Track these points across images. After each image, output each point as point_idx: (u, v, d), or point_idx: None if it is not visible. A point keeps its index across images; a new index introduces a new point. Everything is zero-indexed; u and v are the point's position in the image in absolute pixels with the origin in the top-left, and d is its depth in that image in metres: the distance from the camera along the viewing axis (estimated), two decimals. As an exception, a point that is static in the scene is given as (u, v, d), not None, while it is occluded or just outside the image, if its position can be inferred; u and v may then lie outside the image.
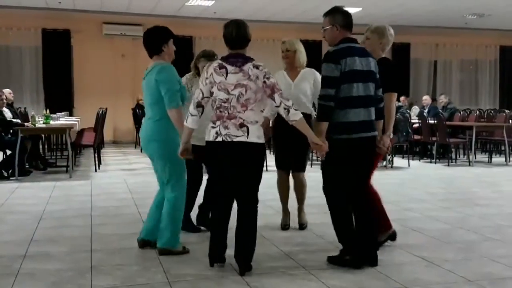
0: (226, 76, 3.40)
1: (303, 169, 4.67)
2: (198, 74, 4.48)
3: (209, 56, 4.48)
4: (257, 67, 3.40)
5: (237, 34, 3.45)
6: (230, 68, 3.41)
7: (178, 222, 3.88)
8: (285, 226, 4.71)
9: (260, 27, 13.87)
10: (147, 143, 3.88)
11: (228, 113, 3.41)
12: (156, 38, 3.93)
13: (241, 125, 3.39)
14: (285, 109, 3.39)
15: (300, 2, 12.00)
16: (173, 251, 3.87)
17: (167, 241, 3.88)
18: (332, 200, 3.66)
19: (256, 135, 3.42)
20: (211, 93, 3.46)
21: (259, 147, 3.46)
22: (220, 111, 3.44)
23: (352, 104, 3.50)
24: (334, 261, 3.66)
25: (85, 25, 13.69)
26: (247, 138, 3.39)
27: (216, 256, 3.57)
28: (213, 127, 3.46)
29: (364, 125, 3.56)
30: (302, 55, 4.60)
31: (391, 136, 3.92)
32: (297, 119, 3.42)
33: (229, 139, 3.40)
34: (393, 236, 4.15)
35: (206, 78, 3.47)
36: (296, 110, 3.42)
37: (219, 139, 3.42)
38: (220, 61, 3.48)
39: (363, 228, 3.63)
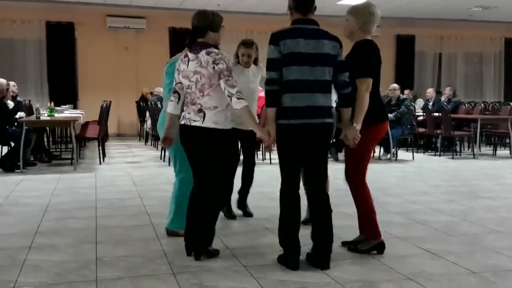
0: (188, 64, 3.54)
1: None
2: (238, 62, 4.71)
3: (247, 44, 4.71)
4: (209, 53, 3.46)
5: (196, 24, 3.59)
6: (191, 56, 3.54)
7: (182, 205, 3.84)
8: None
9: (263, 20, 13.89)
10: None
11: (191, 98, 3.54)
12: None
13: (199, 111, 3.49)
14: (228, 96, 3.39)
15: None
16: (179, 233, 3.93)
17: (171, 223, 4.05)
18: (280, 192, 3.47)
19: (212, 121, 3.46)
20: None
21: (215, 132, 3.47)
22: (186, 97, 3.60)
23: (294, 88, 3.29)
24: (279, 260, 3.51)
25: (89, 17, 13.68)
26: (202, 123, 3.47)
27: (190, 245, 3.61)
28: (182, 111, 3.62)
29: (309, 111, 3.29)
30: None
31: (358, 127, 3.46)
32: (238, 108, 3.37)
33: (188, 123, 3.53)
34: (380, 247, 3.71)
35: (177, 67, 3.65)
36: (239, 98, 3.35)
37: (182, 122, 3.58)
38: (186, 50, 3.64)
39: (317, 229, 3.43)
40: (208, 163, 3.53)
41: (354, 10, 3.64)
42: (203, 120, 3.47)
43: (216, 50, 3.49)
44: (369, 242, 3.70)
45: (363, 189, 3.68)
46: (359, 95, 3.47)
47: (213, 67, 3.42)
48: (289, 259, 3.41)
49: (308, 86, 3.31)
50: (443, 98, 11.59)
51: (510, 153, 10.11)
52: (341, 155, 7.77)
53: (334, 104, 3.73)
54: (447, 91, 11.63)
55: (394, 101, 9.52)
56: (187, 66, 3.54)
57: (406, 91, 12.36)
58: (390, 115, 9.21)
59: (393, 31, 15.77)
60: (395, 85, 9.78)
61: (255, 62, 4.77)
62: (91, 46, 13.79)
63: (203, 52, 3.48)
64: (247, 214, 4.84)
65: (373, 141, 3.75)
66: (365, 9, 3.61)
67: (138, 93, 13.60)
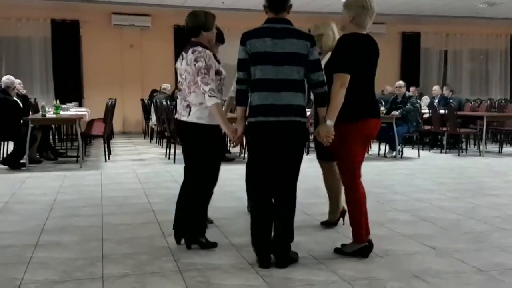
0: (182, 62, 3.73)
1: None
2: None
3: None
4: (193, 51, 3.63)
5: (189, 25, 3.74)
6: (184, 55, 3.72)
7: None
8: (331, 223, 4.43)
9: (262, 16, 13.85)
10: None
11: (182, 95, 3.74)
12: None
13: (187, 106, 3.69)
14: (202, 93, 3.56)
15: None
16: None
17: None
18: (247, 192, 3.47)
19: (196, 116, 3.63)
20: None
21: (197, 127, 3.63)
22: (181, 94, 3.78)
23: (260, 87, 3.32)
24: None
25: (94, 15, 13.71)
26: (187, 118, 3.67)
27: (176, 233, 3.83)
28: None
29: (275, 109, 3.29)
30: (329, 38, 4.34)
31: (330, 124, 3.38)
32: (209, 105, 3.52)
33: (178, 118, 3.77)
34: (364, 251, 3.60)
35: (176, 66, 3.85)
36: (211, 96, 3.49)
37: (176, 116, 3.84)
38: (184, 50, 3.77)
39: (277, 227, 3.41)
40: (193, 156, 3.73)
41: (347, 4, 3.55)
42: (188, 115, 3.66)
43: (200, 49, 3.63)
44: (353, 245, 3.60)
45: (353, 191, 3.55)
46: (332, 91, 3.40)
47: (194, 65, 3.59)
48: (258, 258, 3.42)
49: (274, 84, 3.30)
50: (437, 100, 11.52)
51: (516, 151, 10.07)
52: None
53: None
54: (444, 91, 11.57)
55: (400, 98, 9.49)
56: (181, 64, 3.73)
57: (411, 88, 12.32)
58: (396, 112, 9.20)
59: (398, 28, 15.72)
60: (401, 82, 9.75)
61: None
62: (96, 44, 13.82)
63: (190, 50, 3.65)
64: None
65: (354, 139, 3.52)
66: (357, 3, 3.52)
67: (143, 91, 13.61)
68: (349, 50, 3.44)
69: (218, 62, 3.75)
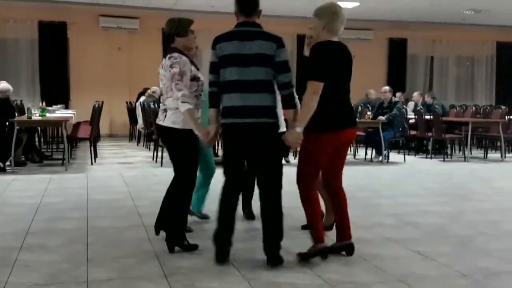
0: (161, 68, 3.82)
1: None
2: None
3: None
4: (169, 57, 3.73)
5: (166, 31, 3.89)
6: (163, 61, 3.82)
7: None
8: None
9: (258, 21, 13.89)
10: None
11: (162, 99, 3.87)
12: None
13: (165, 110, 3.79)
14: (176, 99, 3.64)
15: (298, -3, 11.97)
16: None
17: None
18: (221, 190, 3.55)
19: (171, 120, 3.73)
20: None
21: (171, 131, 3.73)
22: (162, 98, 3.92)
23: (229, 88, 3.41)
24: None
25: (82, 17, 13.64)
26: (163, 122, 3.78)
27: (157, 226, 4.00)
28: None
29: (242, 110, 3.35)
30: None
31: (300, 131, 3.35)
32: (181, 111, 3.61)
33: (157, 121, 3.88)
34: (349, 248, 3.68)
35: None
36: (183, 102, 3.58)
37: (156, 120, 3.94)
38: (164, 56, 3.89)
39: (267, 228, 3.49)
40: (172, 157, 3.84)
41: (318, 11, 3.56)
42: (164, 119, 3.77)
43: (175, 55, 3.72)
44: (313, 246, 3.56)
45: (305, 191, 3.54)
46: (304, 98, 3.39)
47: (169, 70, 3.68)
48: (216, 254, 3.51)
49: (241, 86, 3.37)
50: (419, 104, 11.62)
51: (501, 156, 10.18)
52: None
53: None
54: (426, 98, 11.66)
55: (386, 103, 9.56)
56: (161, 70, 3.82)
57: (398, 94, 12.41)
58: (382, 118, 9.27)
59: (385, 34, 15.84)
60: (387, 88, 9.82)
61: None
62: (84, 46, 13.74)
63: (167, 56, 3.76)
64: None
65: (320, 149, 3.49)
66: (328, 9, 3.53)
67: (131, 94, 13.54)
68: (323, 58, 3.42)
69: (197, 68, 3.82)
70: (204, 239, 4.00)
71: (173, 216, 3.81)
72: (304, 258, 3.57)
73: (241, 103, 3.36)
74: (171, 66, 3.67)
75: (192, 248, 3.84)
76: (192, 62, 3.79)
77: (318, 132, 3.45)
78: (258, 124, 3.37)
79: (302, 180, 3.56)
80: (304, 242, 3.88)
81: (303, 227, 4.35)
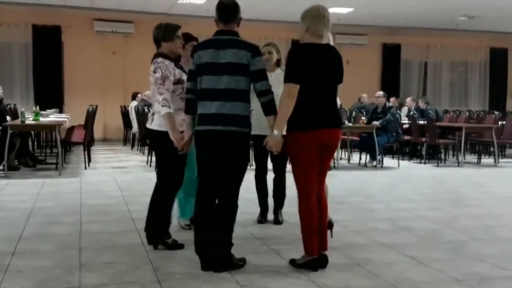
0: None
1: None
2: None
3: (266, 44, 4.92)
4: (154, 62, 3.86)
5: (153, 37, 3.99)
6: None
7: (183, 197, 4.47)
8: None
9: (250, 26, 13.87)
10: None
11: (151, 104, 4.04)
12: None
13: (152, 114, 3.93)
14: (158, 102, 3.74)
15: (291, 2, 12.01)
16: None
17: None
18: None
19: (157, 123, 3.87)
20: None
21: (156, 134, 3.87)
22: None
23: (202, 96, 3.47)
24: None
25: (76, 21, 13.62)
26: (150, 125, 3.93)
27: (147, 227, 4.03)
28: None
29: (214, 118, 3.39)
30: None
31: (277, 134, 3.37)
32: (161, 114, 3.72)
33: (146, 125, 4.02)
34: (313, 264, 3.51)
35: None
36: (163, 106, 3.70)
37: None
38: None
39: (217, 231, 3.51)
40: (157, 159, 4.06)
41: (302, 15, 3.56)
42: (152, 122, 3.91)
43: (159, 60, 3.83)
44: (304, 257, 3.53)
45: (304, 204, 3.49)
46: (280, 101, 3.41)
47: (153, 75, 3.80)
48: (201, 262, 3.51)
49: (215, 94, 3.41)
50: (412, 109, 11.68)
51: (494, 162, 10.23)
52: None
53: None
54: (420, 103, 11.69)
55: (380, 108, 9.59)
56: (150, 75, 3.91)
57: (392, 99, 12.47)
58: (376, 123, 9.29)
59: (379, 39, 15.92)
60: (380, 93, 9.86)
61: (279, 64, 4.83)
62: (78, 50, 13.72)
63: (152, 61, 3.88)
64: (277, 221, 4.86)
65: (302, 148, 3.45)
66: (309, 12, 3.51)
67: (126, 98, 13.51)
68: (296, 61, 3.42)
69: (184, 71, 3.87)
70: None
71: (158, 215, 3.93)
72: (294, 265, 3.56)
73: (214, 111, 3.40)
74: (154, 71, 3.80)
75: (178, 247, 3.90)
76: (178, 66, 3.91)
77: (296, 131, 3.44)
78: (229, 132, 3.40)
79: (298, 188, 3.53)
80: (300, 248, 3.88)
81: None
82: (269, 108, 3.46)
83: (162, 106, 3.69)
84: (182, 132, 3.71)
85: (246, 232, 4.52)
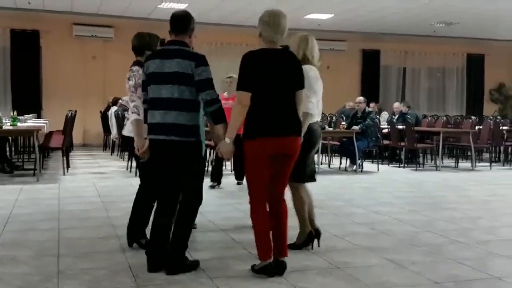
0: None
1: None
2: None
3: None
4: (130, 70, 4.00)
5: (135, 44, 4.15)
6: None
7: None
8: None
9: (235, 31, 13.94)
10: None
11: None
12: None
13: (127, 120, 4.14)
14: (130, 109, 3.95)
15: (278, 5, 12.03)
16: None
17: None
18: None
19: (128, 130, 4.12)
20: None
21: (128, 139, 4.11)
22: None
23: (150, 105, 3.56)
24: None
25: (55, 26, 13.48)
26: (123, 131, 4.20)
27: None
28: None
29: (158, 128, 3.47)
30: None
31: (229, 141, 3.36)
32: (130, 120, 3.93)
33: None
34: (269, 270, 3.45)
35: None
36: (133, 112, 3.88)
37: None
38: None
39: (174, 233, 3.55)
40: (136, 166, 4.33)
41: (258, 21, 3.52)
42: (125, 128, 4.17)
43: (134, 68, 3.98)
44: (260, 263, 3.49)
45: (252, 211, 3.45)
46: (232, 109, 3.41)
47: (127, 83, 3.95)
48: (148, 262, 3.57)
49: (160, 103, 3.48)
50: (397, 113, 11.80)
51: (472, 166, 10.38)
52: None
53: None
54: (401, 107, 11.82)
55: (360, 113, 9.68)
56: None
57: (371, 104, 12.59)
58: (356, 127, 9.38)
59: (359, 45, 16.06)
60: (361, 98, 9.96)
61: None
62: (57, 55, 13.57)
63: (130, 69, 4.01)
64: None
65: (252, 156, 3.40)
66: (262, 18, 3.49)
67: (105, 103, 13.40)
68: (246, 68, 3.38)
69: None
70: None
71: (137, 216, 4.07)
72: (253, 271, 3.52)
73: (159, 120, 3.47)
74: (128, 79, 3.96)
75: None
76: None
77: (247, 139, 3.41)
78: (173, 141, 3.44)
79: (250, 196, 3.48)
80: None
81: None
82: (218, 117, 3.49)
83: (132, 112, 3.89)
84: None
85: (226, 237, 4.52)
